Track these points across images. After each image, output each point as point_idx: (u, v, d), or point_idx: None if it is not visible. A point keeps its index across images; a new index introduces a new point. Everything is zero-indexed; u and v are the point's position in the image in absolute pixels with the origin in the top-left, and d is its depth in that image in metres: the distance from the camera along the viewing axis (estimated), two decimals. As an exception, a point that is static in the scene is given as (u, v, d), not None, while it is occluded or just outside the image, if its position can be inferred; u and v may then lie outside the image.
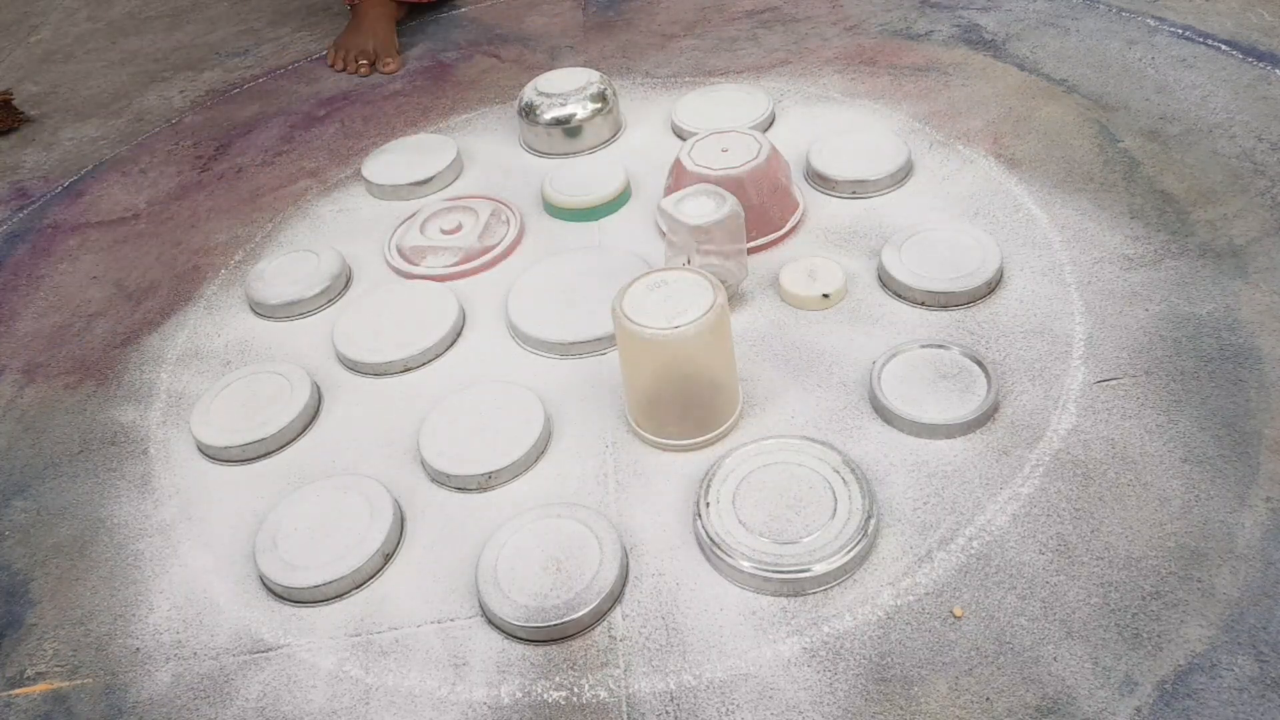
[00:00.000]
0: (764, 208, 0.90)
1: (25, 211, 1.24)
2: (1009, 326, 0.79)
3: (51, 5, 1.91)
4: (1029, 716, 0.55)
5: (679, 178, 0.91)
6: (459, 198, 1.06)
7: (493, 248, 0.98)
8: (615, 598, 0.65)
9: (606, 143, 1.14)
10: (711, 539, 0.65)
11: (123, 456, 0.84)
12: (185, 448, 0.83)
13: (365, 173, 1.12)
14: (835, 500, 0.66)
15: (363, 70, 1.42)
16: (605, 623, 0.64)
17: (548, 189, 1.02)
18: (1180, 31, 1.12)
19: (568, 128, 1.11)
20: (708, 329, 0.68)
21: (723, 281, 0.80)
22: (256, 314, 0.97)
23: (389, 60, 1.43)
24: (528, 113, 1.12)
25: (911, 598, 0.62)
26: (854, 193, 0.97)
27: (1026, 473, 0.68)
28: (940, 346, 0.77)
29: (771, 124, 1.10)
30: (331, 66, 1.47)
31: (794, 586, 0.63)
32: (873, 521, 0.65)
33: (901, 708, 0.57)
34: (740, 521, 0.66)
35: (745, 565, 0.63)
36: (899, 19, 1.28)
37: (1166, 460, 0.67)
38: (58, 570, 0.75)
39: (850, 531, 0.64)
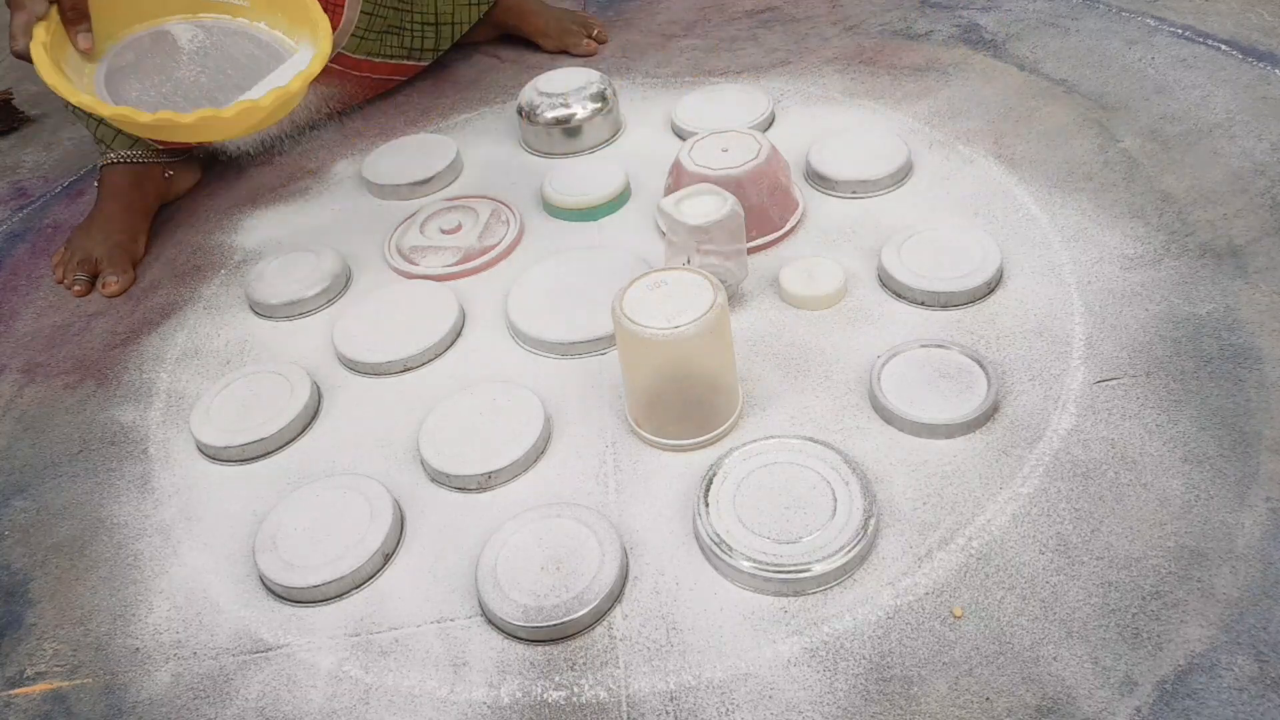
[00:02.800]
0: (764, 208, 0.90)
1: (25, 211, 1.24)
2: (1009, 326, 0.79)
3: (51, 5, 1.90)
4: (1029, 716, 0.55)
5: (679, 178, 0.91)
6: (459, 198, 1.06)
7: (493, 248, 0.98)
8: (615, 598, 0.65)
9: (606, 143, 1.14)
10: (711, 539, 0.65)
11: (122, 456, 0.84)
12: (185, 448, 0.83)
13: (365, 173, 1.12)
14: (835, 500, 0.66)
15: (77, 290, 1.04)
16: (605, 623, 0.64)
17: (548, 189, 1.02)
18: (1180, 31, 1.12)
19: (568, 128, 1.11)
20: (708, 329, 0.68)
21: (723, 281, 0.80)
22: (256, 314, 0.97)
23: (112, 278, 1.04)
24: (528, 113, 1.12)
25: (911, 598, 0.62)
26: (854, 193, 0.97)
27: (1026, 473, 0.68)
28: (940, 346, 0.77)
29: (771, 124, 1.10)
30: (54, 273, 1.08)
31: (794, 586, 0.63)
32: (872, 521, 0.65)
33: (901, 708, 0.57)
34: (740, 521, 0.66)
35: (745, 565, 0.63)
36: (899, 19, 1.28)
37: (1166, 460, 0.67)
38: (57, 570, 0.75)
39: (850, 531, 0.64)
